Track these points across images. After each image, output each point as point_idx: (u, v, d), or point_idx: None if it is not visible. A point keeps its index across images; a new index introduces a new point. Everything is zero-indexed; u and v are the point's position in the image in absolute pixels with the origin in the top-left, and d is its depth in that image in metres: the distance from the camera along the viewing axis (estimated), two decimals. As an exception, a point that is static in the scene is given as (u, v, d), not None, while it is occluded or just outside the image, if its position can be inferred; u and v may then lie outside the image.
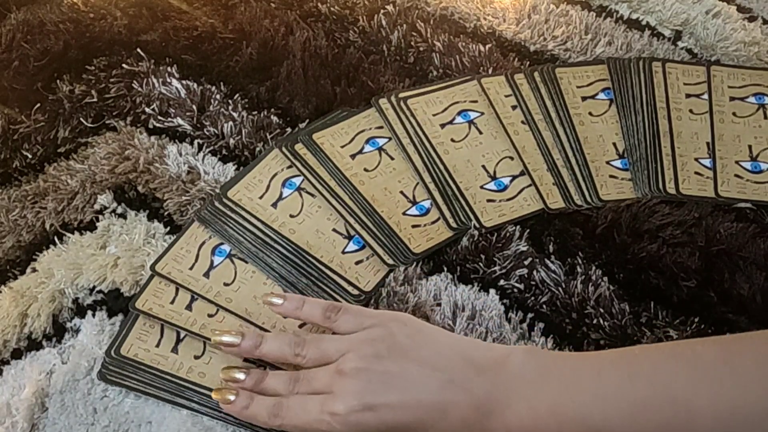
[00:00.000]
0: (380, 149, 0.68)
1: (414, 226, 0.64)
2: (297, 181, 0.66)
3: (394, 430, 0.50)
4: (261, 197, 0.65)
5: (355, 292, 0.60)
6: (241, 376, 0.54)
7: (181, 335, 0.58)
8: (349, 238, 0.63)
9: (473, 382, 0.50)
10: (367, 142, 0.69)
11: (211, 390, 0.55)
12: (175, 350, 0.57)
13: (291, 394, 0.53)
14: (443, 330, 0.55)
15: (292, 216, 0.64)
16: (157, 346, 0.57)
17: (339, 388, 0.51)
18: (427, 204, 0.65)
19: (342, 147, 0.68)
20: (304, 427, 0.51)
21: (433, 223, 0.64)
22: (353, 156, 0.67)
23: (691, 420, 0.46)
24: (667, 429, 0.46)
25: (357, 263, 0.62)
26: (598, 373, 0.49)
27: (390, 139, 0.69)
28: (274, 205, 0.65)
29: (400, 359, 0.51)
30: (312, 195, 0.65)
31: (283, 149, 0.67)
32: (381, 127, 0.70)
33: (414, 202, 0.65)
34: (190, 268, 0.61)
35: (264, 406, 0.52)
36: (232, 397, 0.53)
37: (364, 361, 0.51)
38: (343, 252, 0.62)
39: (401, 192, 0.66)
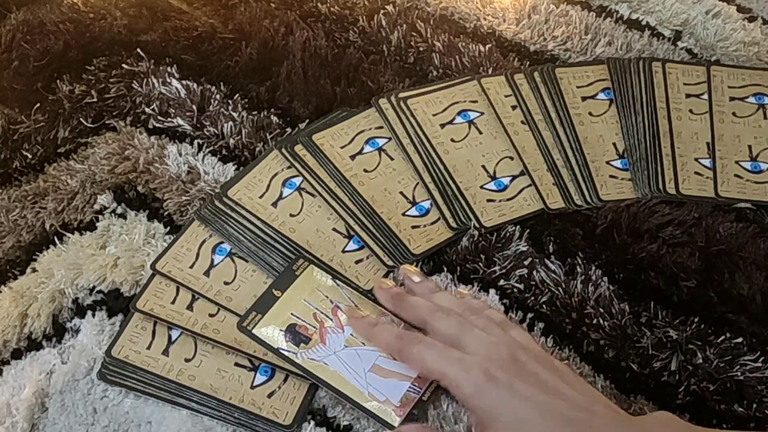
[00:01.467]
0: (380, 149, 0.68)
1: (414, 227, 0.64)
2: (297, 181, 0.66)
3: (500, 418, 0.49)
4: (261, 197, 0.65)
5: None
6: (390, 282, 0.57)
7: (173, 338, 0.58)
8: (349, 237, 0.63)
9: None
10: (366, 142, 0.69)
11: (201, 393, 0.55)
12: (166, 353, 0.57)
13: (456, 314, 0.54)
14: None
15: (292, 215, 0.64)
16: (148, 348, 0.57)
17: (493, 353, 0.51)
18: (426, 204, 0.65)
19: (342, 148, 0.68)
20: (430, 367, 0.52)
21: (433, 223, 0.64)
22: (353, 157, 0.67)
23: None
24: None
25: (357, 262, 0.62)
26: None
27: (390, 139, 0.69)
28: (275, 204, 0.65)
29: (556, 375, 0.51)
30: (312, 195, 0.65)
31: (283, 150, 0.67)
32: (381, 128, 0.70)
33: (414, 203, 0.65)
34: (191, 267, 0.61)
35: (393, 329, 0.54)
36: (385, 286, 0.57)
37: (527, 356, 0.52)
38: (343, 251, 0.62)
39: (401, 192, 0.66)
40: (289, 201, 0.65)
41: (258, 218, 0.63)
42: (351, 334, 0.57)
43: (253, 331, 0.56)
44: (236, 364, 0.57)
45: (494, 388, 0.49)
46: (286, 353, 0.55)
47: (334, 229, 0.64)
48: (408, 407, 0.54)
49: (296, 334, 0.56)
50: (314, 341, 0.56)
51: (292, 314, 0.57)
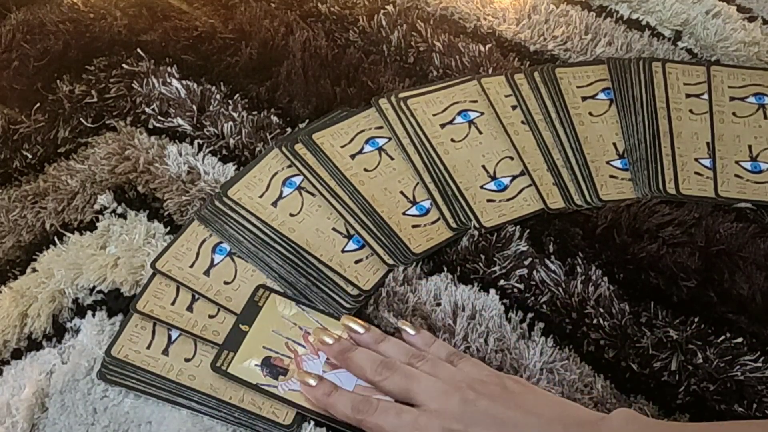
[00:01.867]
0: (380, 149, 0.68)
1: (414, 226, 0.64)
2: (297, 180, 0.66)
3: None
4: (261, 196, 0.65)
5: (355, 291, 0.60)
6: (329, 340, 0.55)
7: (173, 338, 0.58)
8: (349, 237, 0.63)
9: None
10: (366, 142, 0.69)
11: (201, 392, 0.55)
12: (165, 352, 0.57)
13: (400, 367, 0.54)
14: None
15: (292, 215, 0.64)
16: (148, 347, 0.57)
17: (444, 404, 0.51)
18: (427, 204, 0.65)
19: (342, 147, 0.68)
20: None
21: (433, 223, 0.64)
22: (353, 156, 0.67)
23: None
24: None
25: (356, 262, 0.62)
26: None
27: (390, 139, 0.69)
28: (275, 204, 0.65)
29: (509, 405, 0.51)
30: (312, 194, 0.65)
31: (283, 149, 0.67)
32: (381, 127, 0.70)
33: (414, 202, 0.65)
34: (191, 266, 0.61)
35: (348, 399, 0.52)
36: (312, 382, 0.53)
37: (477, 395, 0.51)
38: (343, 251, 0.62)
39: (401, 192, 0.66)
40: (289, 200, 0.65)
41: (258, 218, 0.63)
42: (327, 359, 0.57)
43: (229, 371, 0.55)
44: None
45: None
46: (266, 388, 0.55)
47: (333, 229, 0.64)
48: None
49: (273, 367, 0.56)
50: (292, 371, 0.56)
51: (264, 347, 0.57)
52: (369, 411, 0.52)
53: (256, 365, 0.56)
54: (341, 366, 0.56)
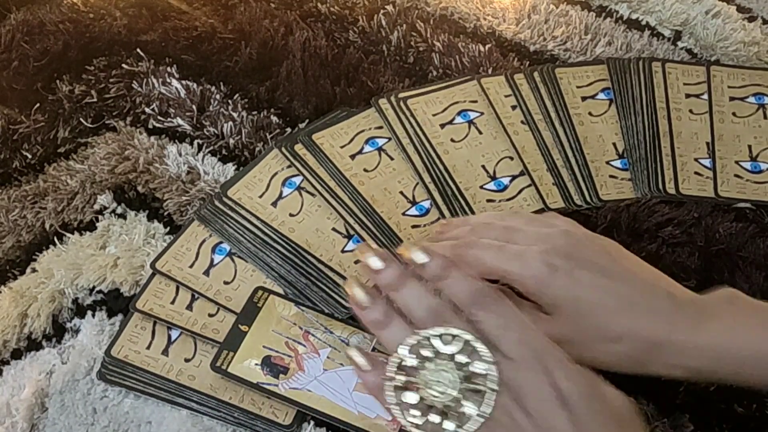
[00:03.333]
0: (380, 149, 0.68)
1: (414, 227, 0.64)
2: (297, 180, 0.66)
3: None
4: (261, 196, 0.65)
5: (345, 295, 0.60)
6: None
7: (173, 338, 0.58)
8: (349, 237, 0.63)
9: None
10: (366, 142, 0.69)
11: (201, 392, 0.55)
12: (165, 353, 0.57)
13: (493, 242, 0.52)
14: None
15: (291, 215, 0.64)
16: (148, 348, 0.57)
17: (549, 243, 0.51)
18: (426, 204, 0.65)
19: (342, 147, 0.68)
20: (490, 267, 0.51)
21: (433, 223, 0.64)
22: (353, 156, 0.67)
23: None
24: None
25: (356, 262, 0.62)
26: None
27: (389, 139, 0.69)
28: (274, 204, 0.65)
29: (615, 261, 0.51)
30: (312, 194, 0.65)
31: (283, 150, 0.67)
32: (380, 128, 0.70)
33: (414, 203, 0.65)
34: (191, 266, 0.61)
35: (444, 244, 0.51)
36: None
37: (578, 240, 0.52)
38: (343, 251, 0.62)
39: (401, 192, 0.66)
40: (289, 200, 0.65)
41: (257, 218, 0.63)
42: (328, 357, 0.57)
43: (229, 370, 0.55)
44: None
45: (556, 278, 0.50)
46: (267, 387, 0.55)
47: (333, 229, 0.64)
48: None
49: (273, 366, 0.56)
50: (292, 370, 0.56)
51: (264, 347, 0.57)
52: (468, 246, 0.52)
53: (257, 364, 0.56)
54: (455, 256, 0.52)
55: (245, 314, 0.58)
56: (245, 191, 0.65)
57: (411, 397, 0.45)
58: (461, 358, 0.44)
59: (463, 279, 0.47)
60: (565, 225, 0.54)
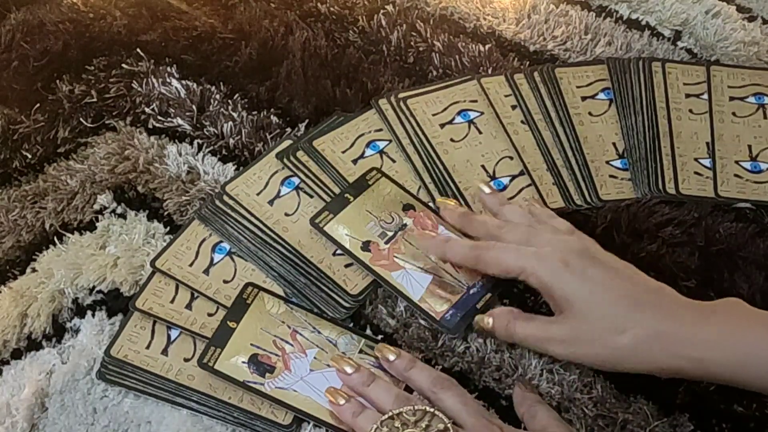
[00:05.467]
0: (381, 152, 0.68)
1: (414, 226, 0.64)
2: (296, 180, 0.66)
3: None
4: (258, 194, 0.65)
5: (356, 291, 0.60)
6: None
7: (172, 338, 0.58)
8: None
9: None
10: (367, 146, 0.68)
11: (200, 392, 0.55)
12: (165, 352, 0.57)
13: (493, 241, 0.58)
14: None
15: (287, 214, 0.64)
16: (147, 347, 0.57)
17: (563, 245, 0.55)
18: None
19: (343, 152, 0.68)
20: (508, 265, 0.55)
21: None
22: (355, 161, 0.67)
23: None
24: None
25: (346, 266, 0.62)
26: None
27: (390, 141, 0.69)
28: (271, 202, 0.65)
29: (618, 261, 0.55)
30: (309, 195, 0.65)
31: (285, 161, 0.66)
32: (380, 130, 0.70)
33: (414, 202, 0.65)
34: (190, 265, 0.61)
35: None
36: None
37: (596, 249, 0.57)
38: (334, 254, 0.62)
39: (401, 192, 0.66)
40: (286, 200, 0.65)
41: (253, 216, 0.63)
42: (315, 357, 0.57)
43: (215, 367, 0.55)
44: None
45: (569, 274, 0.53)
46: (252, 385, 0.55)
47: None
48: None
49: (260, 364, 0.56)
50: (279, 369, 0.56)
51: (251, 344, 0.56)
52: (488, 247, 0.57)
53: (243, 362, 0.56)
54: (462, 227, 0.61)
55: (234, 311, 0.58)
56: (243, 188, 0.65)
57: None
58: (423, 424, 0.51)
59: (425, 369, 0.55)
60: (586, 239, 0.58)
